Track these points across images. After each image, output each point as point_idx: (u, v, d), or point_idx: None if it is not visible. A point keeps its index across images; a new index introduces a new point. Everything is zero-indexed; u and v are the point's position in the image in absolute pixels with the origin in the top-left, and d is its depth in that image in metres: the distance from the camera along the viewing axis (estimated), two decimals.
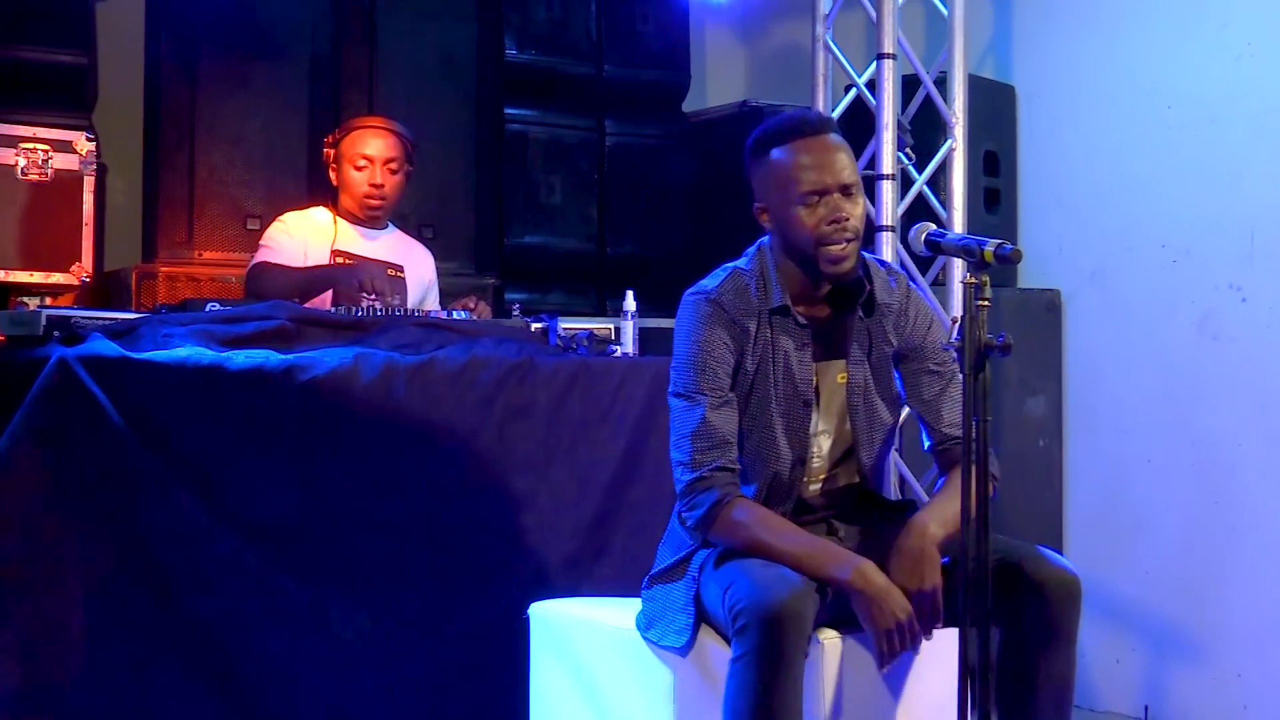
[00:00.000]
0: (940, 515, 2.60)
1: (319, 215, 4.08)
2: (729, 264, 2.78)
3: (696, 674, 2.63)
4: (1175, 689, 4.36)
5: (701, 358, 2.67)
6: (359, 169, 4.02)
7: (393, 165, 4.05)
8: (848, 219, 2.63)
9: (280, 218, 4.08)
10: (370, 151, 4.02)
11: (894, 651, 2.52)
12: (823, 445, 2.76)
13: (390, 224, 4.19)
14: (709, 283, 2.74)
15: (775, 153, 2.70)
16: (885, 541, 2.73)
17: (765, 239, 2.78)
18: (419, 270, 4.15)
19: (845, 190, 2.65)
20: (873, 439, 2.77)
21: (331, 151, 4.07)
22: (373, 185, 4.02)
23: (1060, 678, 2.57)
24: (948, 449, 2.76)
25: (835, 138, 2.70)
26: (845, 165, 2.67)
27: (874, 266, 2.78)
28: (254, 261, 3.95)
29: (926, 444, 2.83)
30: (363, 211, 4.06)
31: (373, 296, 3.73)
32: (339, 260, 3.96)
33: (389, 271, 3.99)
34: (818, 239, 2.63)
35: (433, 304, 4.19)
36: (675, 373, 2.71)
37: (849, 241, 2.64)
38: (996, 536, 2.50)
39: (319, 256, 3.97)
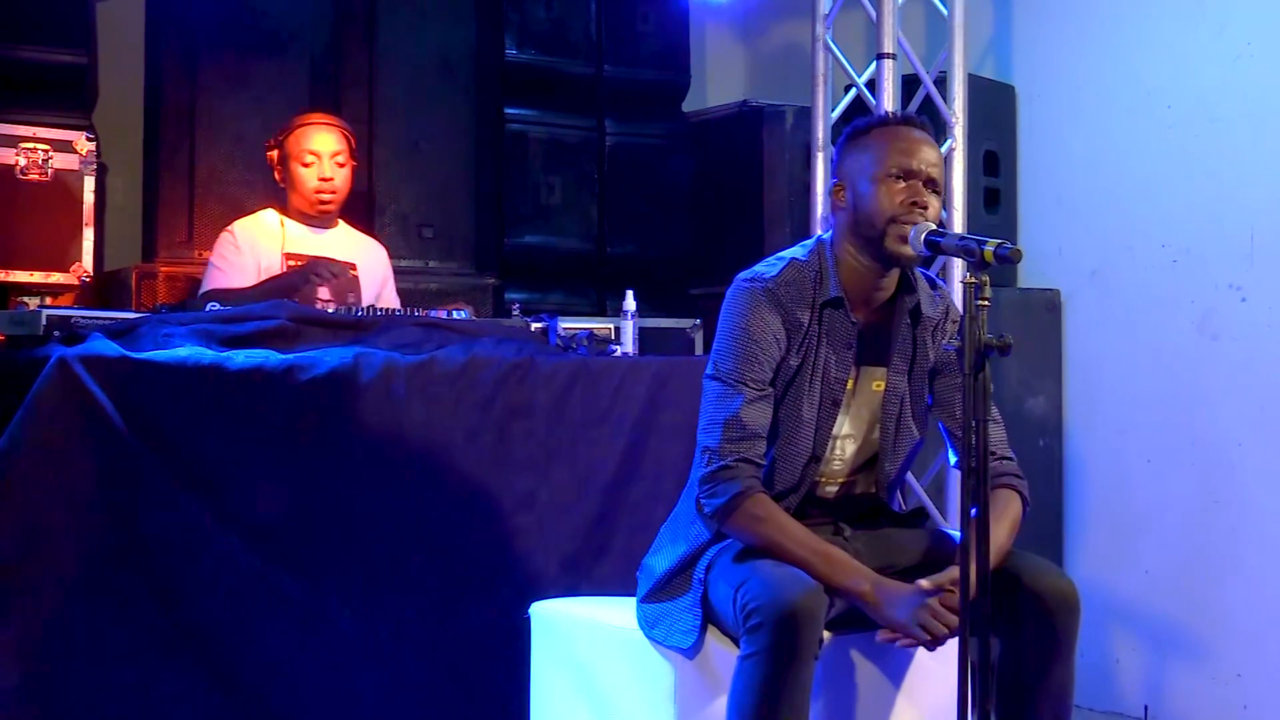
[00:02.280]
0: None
1: (267, 219, 4.08)
2: (784, 253, 2.76)
3: (698, 673, 2.63)
4: (1175, 689, 4.36)
5: (749, 346, 2.64)
6: (307, 165, 4.04)
7: (339, 159, 4.07)
8: (926, 207, 2.64)
9: (229, 228, 4.07)
10: (316, 147, 4.04)
11: (929, 642, 2.48)
12: (846, 449, 2.76)
13: (340, 221, 4.19)
14: (766, 270, 2.71)
15: (875, 133, 2.71)
16: (893, 546, 2.74)
17: (824, 235, 2.77)
18: (372, 266, 4.15)
19: (930, 183, 2.66)
20: (898, 450, 2.77)
21: (276, 152, 4.08)
22: (322, 180, 4.04)
23: (1059, 689, 2.56)
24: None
25: (932, 139, 2.73)
26: (936, 162, 2.69)
27: (921, 279, 2.78)
28: (203, 290, 3.94)
29: (954, 459, 2.81)
30: (314, 208, 4.07)
31: (325, 283, 3.73)
32: (291, 265, 3.95)
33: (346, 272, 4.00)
34: (891, 215, 2.63)
35: (390, 298, 4.18)
36: (718, 355, 2.68)
37: (917, 226, 2.63)
38: None
39: (270, 263, 3.97)
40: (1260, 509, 4.19)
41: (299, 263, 3.97)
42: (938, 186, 2.68)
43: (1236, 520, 4.25)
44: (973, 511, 2.72)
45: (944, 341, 2.78)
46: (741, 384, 2.63)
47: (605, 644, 2.85)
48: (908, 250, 2.63)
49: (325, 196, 4.06)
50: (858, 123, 2.78)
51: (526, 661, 3.02)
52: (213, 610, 3.03)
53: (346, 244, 4.15)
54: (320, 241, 4.07)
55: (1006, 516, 2.65)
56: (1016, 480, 2.72)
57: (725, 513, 2.61)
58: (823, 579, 2.51)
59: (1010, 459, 2.73)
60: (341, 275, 3.89)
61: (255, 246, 4.00)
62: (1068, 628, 2.55)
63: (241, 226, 4.06)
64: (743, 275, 2.73)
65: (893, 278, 2.73)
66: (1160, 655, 4.43)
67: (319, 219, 4.10)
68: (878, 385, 2.75)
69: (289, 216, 4.09)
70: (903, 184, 2.65)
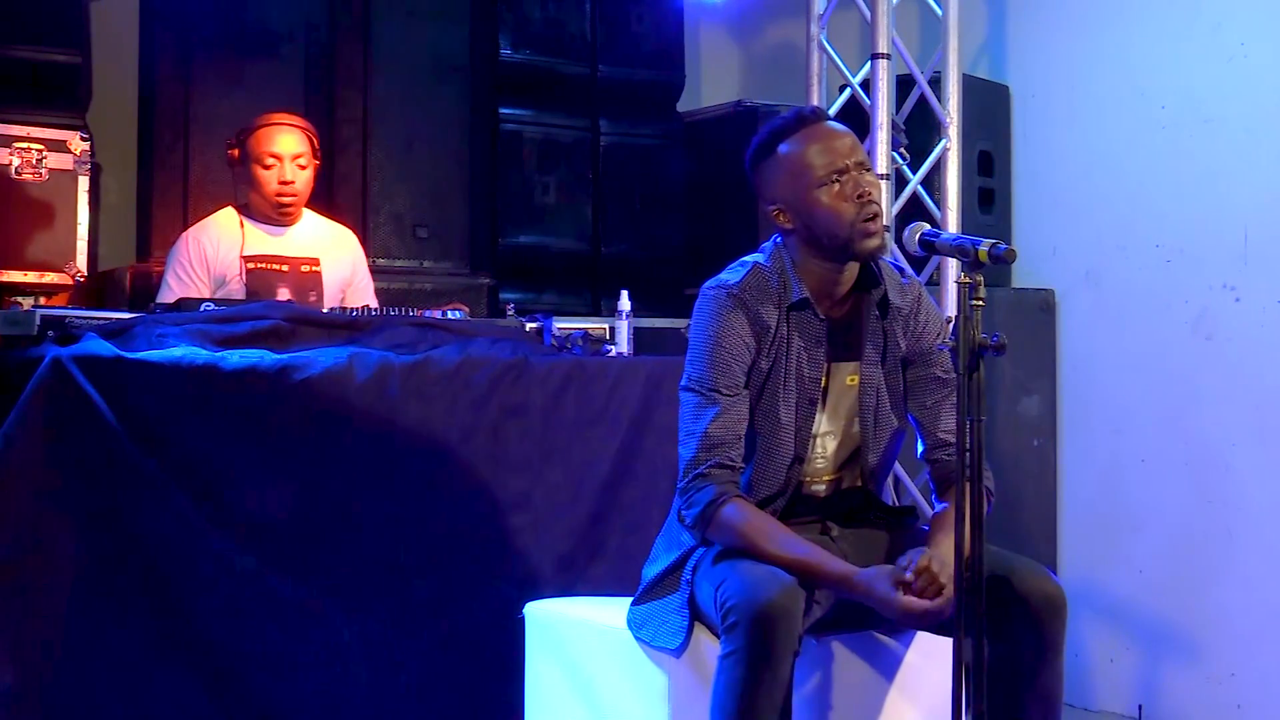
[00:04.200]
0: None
1: (225, 221, 4.05)
2: (747, 258, 2.75)
3: (691, 673, 2.63)
4: (1169, 688, 4.36)
5: (719, 353, 2.64)
6: (268, 167, 4.01)
7: (301, 161, 4.04)
8: (871, 192, 2.65)
9: (186, 234, 4.05)
10: (278, 149, 4.01)
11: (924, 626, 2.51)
12: (827, 446, 2.75)
13: (307, 211, 4.16)
14: (730, 276, 2.71)
15: (783, 148, 2.69)
16: (879, 545, 2.73)
17: (778, 238, 2.76)
18: (338, 257, 4.12)
19: (861, 166, 2.66)
20: (880, 441, 2.76)
21: (237, 152, 4.05)
22: (283, 183, 4.01)
23: (1047, 691, 2.56)
24: (940, 459, 2.76)
25: (837, 123, 2.72)
26: (854, 144, 2.69)
27: (887, 268, 2.77)
28: (158, 300, 3.88)
29: (920, 449, 2.81)
30: (274, 211, 4.04)
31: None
32: (250, 267, 3.94)
33: (302, 269, 3.99)
34: (851, 220, 2.62)
35: (362, 286, 4.16)
36: (690, 366, 2.69)
37: (876, 216, 2.64)
38: (987, 547, 2.50)
39: (227, 267, 3.95)
40: (1254, 508, 4.20)
41: (258, 265, 3.95)
42: (866, 164, 2.68)
43: (1231, 520, 4.25)
44: (937, 506, 2.74)
45: (915, 330, 2.77)
46: (715, 392, 2.64)
47: (599, 644, 2.85)
48: (875, 243, 2.64)
49: (286, 199, 4.03)
50: (758, 144, 2.74)
51: (521, 661, 3.02)
52: (207, 610, 3.03)
53: (310, 239, 4.11)
54: (281, 240, 4.05)
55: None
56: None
57: (704, 521, 2.61)
58: (805, 579, 2.51)
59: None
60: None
61: (212, 256, 3.96)
62: (1055, 631, 2.55)
63: (199, 231, 4.03)
64: (708, 283, 2.73)
65: (853, 269, 2.72)
66: (1154, 654, 4.43)
67: (281, 220, 4.07)
68: (851, 380, 2.74)
69: (250, 216, 4.06)
70: (838, 185, 2.64)
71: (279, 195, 4.02)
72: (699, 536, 2.66)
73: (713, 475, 2.61)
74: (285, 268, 3.99)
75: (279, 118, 4.10)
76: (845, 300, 2.74)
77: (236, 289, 3.92)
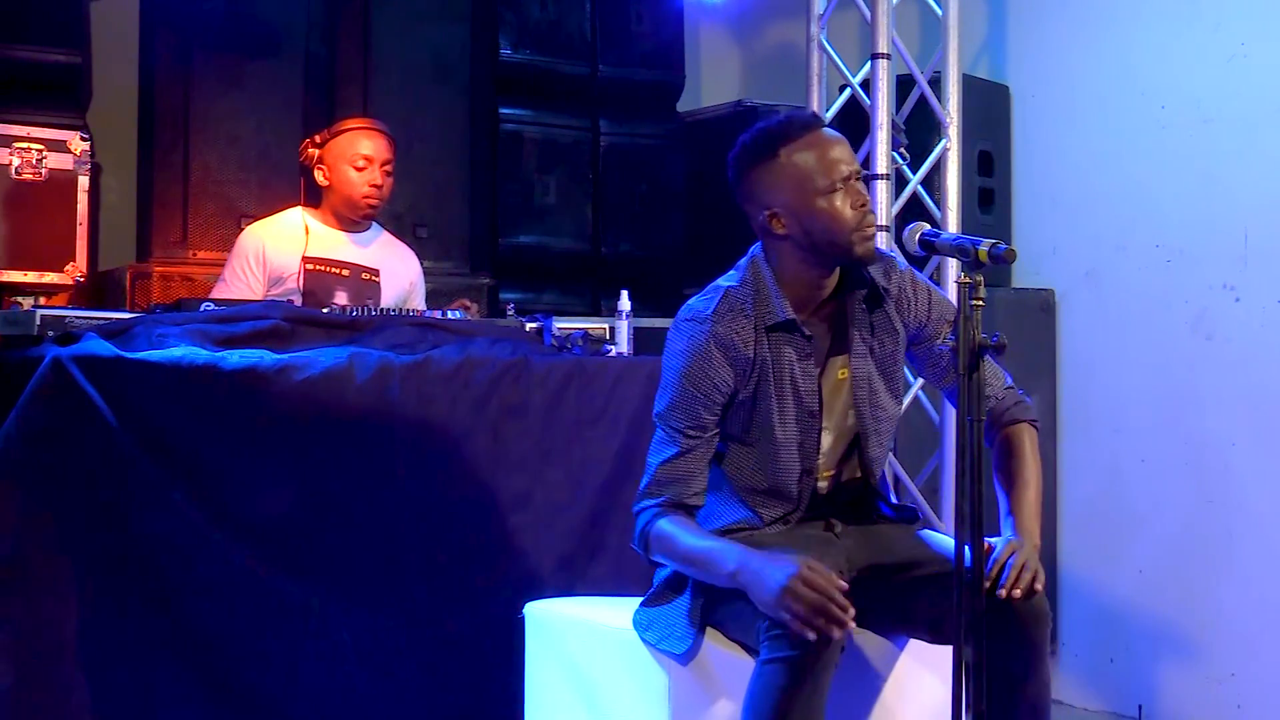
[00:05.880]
0: (1031, 526, 2.59)
1: (289, 221, 4.03)
2: (719, 282, 2.73)
3: (692, 674, 2.63)
4: (1169, 688, 4.37)
5: (687, 393, 2.63)
6: (359, 169, 4.00)
7: (388, 166, 4.06)
8: (868, 200, 2.67)
9: (248, 230, 4.03)
10: (369, 152, 4.01)
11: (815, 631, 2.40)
12: (824, 443, 2.73)
13: (375, 225, 4.17)
14: (702, 306, 2.69)
15: (785, 152, 2.67)
16: (882, 543, 2.72)
17: (756, 250, 2.75)
18: (399, 271, 4.12)
19: (857, 174, 2.67)
20: (879, 431, 2.75)
21: (316, 153, 4.04)
22: (373, 185, 4.01)
23: (1035, 697, 2.54)
24: (994, 415, 2.74)
25: (833, 130, 2.73)
26: (852, 152, 2.70)
27: None
28: (211, 293, 3.90)
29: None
30: (357, 212, 4.04)
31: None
32: (310, 268, 3.92)
33: (363, 276, 3.98)
34: (853, 227, 2.62)
35: (417, 305, 4.16)
36: (661, 395, 2.68)
37: (874, 224, 2.67)
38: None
39: (283, 268, 3.93)
40: (1254, 508, 4.20)
41: (318, 266, 3.94)
42: (860, 172, 2.69)
43: (1231, 520, 4.26)
44: (995, 455, 2.75)
45: (915, 309, 2.77)
46: (679, 433, 2.63)
47: (600, 644, 2.85)
48: (871, 246, 2.65)
49: (373, 201, 4.03)
50: (754, 148, 2.73)
51: (522, 661, 3.02)
52: (207, 611, 3.03)
53: (374, 250, 4.10)
54: (345, 247, 4.04)
55: (1029, 455, 2.70)
56: (1019, 410, 2.74)
57: (643, 543, 2.65)
58: (712, 575, 2.53)
59: (1008, 389, 2.76)
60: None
61: (271, 254, 3.94)
62: (1039, 638, 2.52)
63: (258, 231, 4.01)
64: (682, 314, 2.70)
65: (837, 272, 2.72)
66: (1154, 655, 4.43)
67: (355, 223, 4.07)
68: (842, 374, 2.73)
69: (320, 218, 4.05)
70: (841, 193, 2.63)
71: (366, 198, 4.01)
72: (646, 560, 2.68)
73: (653, 507, 2.63)
74: (346, 272, 3.97)
75: (369, 121, 4.12)
76: (829, 301, 2.73)
77: (294, 289, 3.90)
